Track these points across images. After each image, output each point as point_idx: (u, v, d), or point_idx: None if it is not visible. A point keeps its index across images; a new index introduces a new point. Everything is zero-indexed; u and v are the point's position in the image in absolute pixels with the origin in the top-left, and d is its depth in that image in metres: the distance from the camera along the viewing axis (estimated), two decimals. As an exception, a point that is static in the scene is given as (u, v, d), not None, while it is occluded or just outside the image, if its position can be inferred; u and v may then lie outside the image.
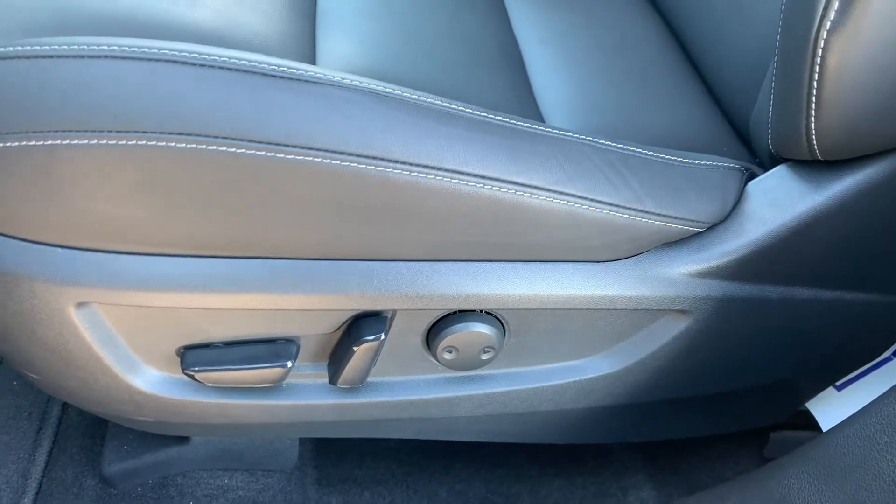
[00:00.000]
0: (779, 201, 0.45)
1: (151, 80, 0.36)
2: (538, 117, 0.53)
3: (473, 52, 0.54)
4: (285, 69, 0.38)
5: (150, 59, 0.36)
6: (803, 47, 0.39)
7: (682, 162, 0.46)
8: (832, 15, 0.37)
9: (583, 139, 0.44)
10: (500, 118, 0.43)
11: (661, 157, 0.46)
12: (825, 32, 0.38)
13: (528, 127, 0.44)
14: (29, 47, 0.37)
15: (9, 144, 0.36)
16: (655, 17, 0.69)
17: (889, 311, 0.53)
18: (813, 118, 0.41)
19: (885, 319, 0.53)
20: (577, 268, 0.46)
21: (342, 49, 0.49)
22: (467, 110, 0.42)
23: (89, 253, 0.40)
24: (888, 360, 0.67)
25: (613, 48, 0.62)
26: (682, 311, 0.48)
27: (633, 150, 0.46)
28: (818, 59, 0.38)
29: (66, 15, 0.41)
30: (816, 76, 0.39)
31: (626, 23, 0.66)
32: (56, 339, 0.43)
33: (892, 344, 0.59)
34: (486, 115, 0.43)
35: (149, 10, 0.43)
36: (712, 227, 0.46)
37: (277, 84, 0.37)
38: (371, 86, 0.40)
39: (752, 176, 0.49)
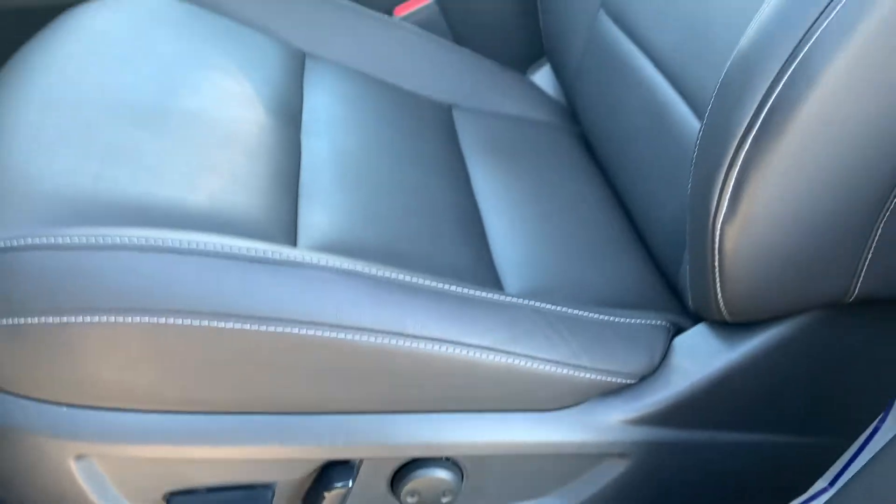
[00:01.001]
0: (699, 356, 0.52)
1: (156, 269, 0.43)
2: (495, 279, 0.61)
3: (437, 222, 0.62)
4: (269, 253, 0.45)
5: (154, 250, 0.43)
6: (704, 233, 0.47)
7: (614, 320, 0.54)
8: (724, 208, 0.45)
9: (526, 303, 0.52)
10: (456, 287, 0.50)
11: (596, 317, 0.53)
12: (720, 223, 0.45)
13: (479, 294, 0.51)
14: (47, 239, 0.44)
15: (26, 321, 0.43)
16: (600, 180, 0.78)
17: (810, 450, 0.59)
18: (719, 290, 0.48)
19: (808, 457, 0.59)
20: (525, 417, 0.52)
21: (320, 222, 0.56)
22: (426, 282, 0.49)
23: (91, 411, 0.46)
24: (824, 490, 0.72)
25: (561, 212, 0.71)
26: (621, 455, 0.54)
27: (571, 312, 0.53)
28: (716, 244, 0.46)
29: (79, 204, 0.48)
30: (717, 257, 0.47)
31: (573, 188, 0.76)
32: (54, 488, 0.48)
33: (818, 478, 0.65)
34: (443, 284, 0.50)
35: (153, 197, 0.50)
36: (643, 379, 0.53)
37: (262, 267, 0.44)
38: (343, 265, 0.47)
39: (680, 330, 0.56)
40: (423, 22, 0.88)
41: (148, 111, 0.57)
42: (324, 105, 0.72)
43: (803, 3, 0.42)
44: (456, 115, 0.83)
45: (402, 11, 0.89)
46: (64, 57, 0.61)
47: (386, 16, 0.87)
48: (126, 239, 0.44)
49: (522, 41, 0.92)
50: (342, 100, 0.74)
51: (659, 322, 0.55)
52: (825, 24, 0.40)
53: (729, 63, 0.45)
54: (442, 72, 0.86)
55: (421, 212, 0.63)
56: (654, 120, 0.64)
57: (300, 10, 0.82)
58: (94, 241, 0.44)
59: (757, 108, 0.42)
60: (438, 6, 0.89)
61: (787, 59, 0.41)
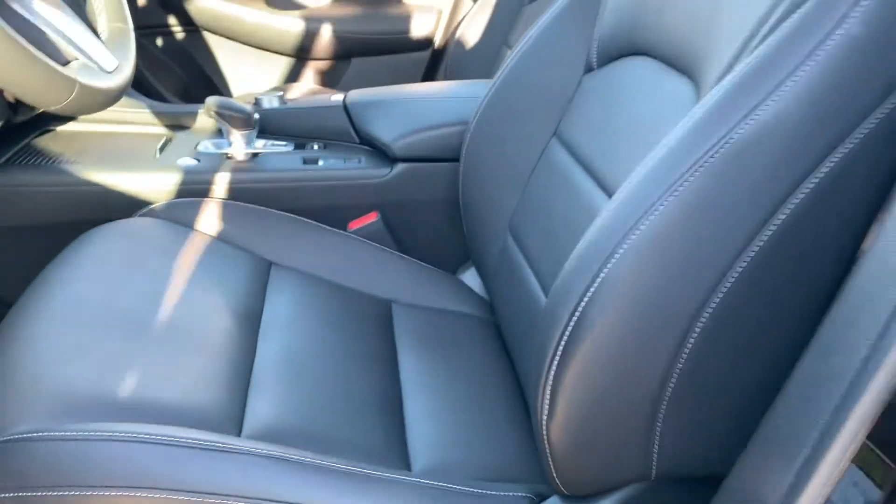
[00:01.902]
0: (549, 524, 0.67)
1: (134, 454, 0.59)
2: (405, 459, 0.76)
3: (362, 410, 0.79)
4: (213, 443, 0.62)
5: (135, 441, 0.60)
6: (536, 417, 0.63)
7: (486, 493, 0.69)
8: (546, 409, 0.62)
9: (415, 481, 0.67)
10: (364, 469, 0.66)
11: (472, 491, 0.68)
12: (544, 418, 0.62)
13: (383, 475, 0.66)
14: (53, 432, 0.60)
15: (32, 495, 0.58)
16: (506, 364, 0.95)
17: None
18: (553, 471, 0.64)
19: None
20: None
21: (263, 413, 0.73)
22: (340, 465, 0.65)
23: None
24: None
25: (471, 395, 0.87)
26: None
27: (456, 488, 0.68)
28: (545, 439, 0.62)
29: (80, 404, 0.65)
30: (548, 449, 0.63)
31: (485, 372, 0.93)
32: None
33: None
34: (353, 466, 0.66)
35: (137, 396, 0.67)
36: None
37: (206, 454, 0.61)
38: (270, 451, 0.63)
39: (544, 498, 0.71)
40: (370, 234, 1.09)
41: (138, 325, 0.75)
42: (282, 308, 0.90)
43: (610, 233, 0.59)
44: (394, 309, 1.01)
45: (354, 226, 1.10)
46: (78, 279, 0.81)
47: (340, 231, 1.08)
48: (114, 433, 0.60)
49: (452, 248, 1.13)
50: (298, 303, 0.93)
51: (524, 494, 0.70)
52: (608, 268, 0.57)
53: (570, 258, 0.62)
54: (385, 274, 1.05)
55: (350, 401, 0.80)
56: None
57: (268, 227, 1.03)
58: (88, 434, 0.60)
59: (566, 321, 0.58)
60: (383, 221, 1.11)
61: (588, 284, 0.58)
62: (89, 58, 0.70)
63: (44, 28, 0.67)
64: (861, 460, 0.52)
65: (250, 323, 0.84)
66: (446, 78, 1.77)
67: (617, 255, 0.56)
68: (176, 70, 1.87)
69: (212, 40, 1.86)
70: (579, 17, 0.98)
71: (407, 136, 1.10)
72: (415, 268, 1.08)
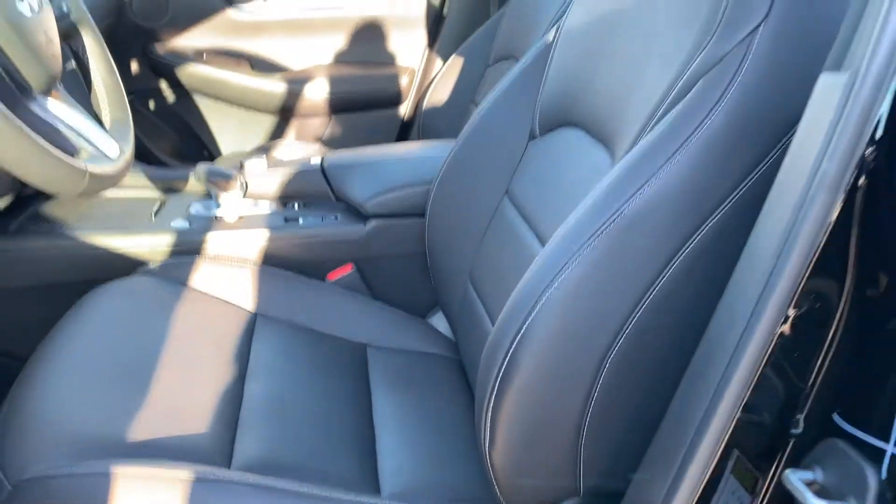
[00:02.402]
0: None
1: (135, 488, 0.70)
2: (375, 485, 0.87)
3: (337, 442, 0.90)
4: (207, 474, 0.72)
5: (136, 478, 0.71)
6: (482, 455, 0.74)
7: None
8: (487, 437, 0.73)
9: (383, 503, 0.78)
10: (338, 494, 0.77)
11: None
12: (486, 444, 0.73)
13: (353, 498, 0.77)
14: (64, 470, 0.71)
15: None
16: (468, 398, 1.06)
17: None
18: (498, 491, 0.75)
19: None
20: None
21: (250, 447, 0.84)
22: (317, 491, 0.76)
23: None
24: None
25: (438, 428, 0.99)
26: None
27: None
28: (489, 463, 0.74)
29: (88, 445, 0.76)
30: (492, 472, 0.74)
31: (451, 407, 1.04)
32: None
33: None
34: (329, 492, 0.76)
35: (140, 437, 0.78)
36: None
37: (201, 484, 0.71)
38: (255, 480, 0.74)
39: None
40: (347, 284, 1.21)
41: (140, 375, 0.87)
42: (266, 354, 1.02)
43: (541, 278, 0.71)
44: (369, 352, 1.13)
45: (332, 277, 1.22)
46: (87, 334, 0.92)
47: (319, 281, 1.20)
48: (121, 471, 0.71)
49: (421, 294, 1.25)
50: (281, 349, 1.04)
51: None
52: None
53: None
54: (360, 320, 1.17)
55: (328, 436, 0.91)
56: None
57: (254, 280, 1.14)
58: (98, 472, 0.71)
59: (501, 361, 0.71)
60: (358, 272, 1.22)
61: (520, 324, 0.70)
62: (96, 147, 0.82)
63: (57, 124, 0.79)
64: (737, 472, 0.64)
65: (238, 368, 0.96)
66: (421, 132, 1.91)
67: (538, 306, 0.69)
68: (168, 130, 2.00)
69: (201, 102, 1.99)
70: (527, 87, 1.11)
71: (378, 196, 1.23)
72: (388, 313, 1.20)
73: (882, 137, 0.49)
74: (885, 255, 0.53)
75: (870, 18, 0.50)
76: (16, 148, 0.67)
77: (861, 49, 0.50)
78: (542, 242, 0.92)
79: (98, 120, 0.92)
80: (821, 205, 0.49)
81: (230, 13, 1.93)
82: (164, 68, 1.92)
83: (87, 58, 0.95)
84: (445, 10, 2.00)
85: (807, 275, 0.51)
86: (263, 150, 1.87)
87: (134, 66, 1.94)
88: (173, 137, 2.01)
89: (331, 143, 2.00)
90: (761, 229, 0.57)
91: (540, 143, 1.06)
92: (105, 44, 0.97)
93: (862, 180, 0.49)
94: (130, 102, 1.93)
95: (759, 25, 0.66)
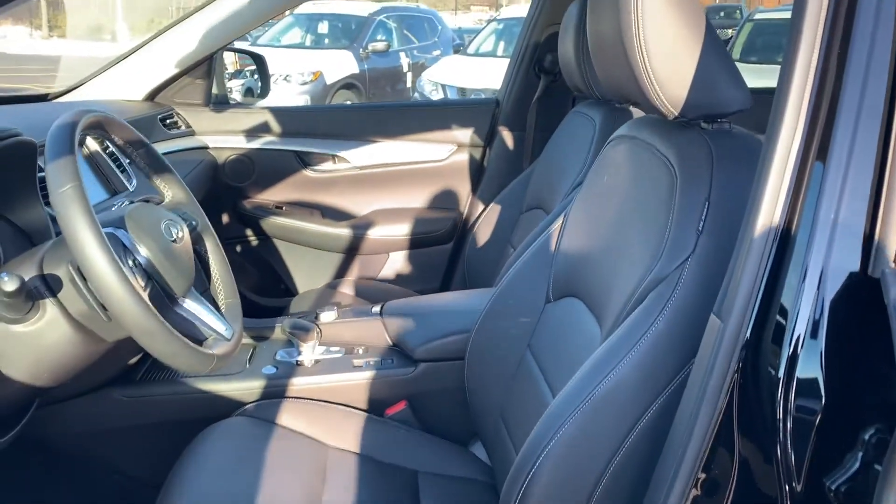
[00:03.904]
0: None
1: None
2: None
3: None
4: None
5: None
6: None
7: None
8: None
9: None
10: None
11: None
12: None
13: None
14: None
15: None
16: None
17: None
18: None
19: None
20: None
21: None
22: None
23: None
24: None
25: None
26: None
27: None
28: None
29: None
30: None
31: None
32: None
33: None
34: None
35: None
36: None
37: None
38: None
39: None
40: (402, 418, 1.48)
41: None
42: (337, 482, 1.28)
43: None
44: (420, 478, 1.37)
45: (389, 412, 1.49)
46: (202, 472, 1.20)
47: (379, 416, 1.47)
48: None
49: (464, 425, 1.50)
50: (350, 478, 1.30)
51: None
52: None
53: None
54: (412, 450, 1.42)
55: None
56: None
57: (328, 418, 1.42)
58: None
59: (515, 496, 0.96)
60: (410, 408, 1.49)
61: None
62: (217, 332, 1.13)
63: (192, 319, 1.10)
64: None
65: (316, 498, 1.22)
66: (466, 270, 2.20)
67: (542, 457, 0.94)
68: (252, 270, 2.35)
69: (280, 245, 2.34)
70: (544, 259, 1.39)
71: (425, 344, 1.51)
72: (435, 443, 1.45)
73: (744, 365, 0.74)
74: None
75: (736, 271, 0.77)
76: (165, 344, 0.97)
77: (728, 300, 0.76)
78: (553, 393, 1.18)
79: (216, 305, 1.24)
80: (704, 415, 0.74)
81: (305, 172, 2.30)
82: (250, 220, 2.29)
83: (209, 257, 1.27)
84: (486, 163, 2.33)
85: (705, 455, 0.76)
86: (332, 286, 2.19)
87: (225, 218, 2.32)
88: (256, 275, 2.36)
89: (388, 278, 2.31)
90: (681, 408, 0.82)
91: (554, 307, 1.32)
92: (220, 244, 1.30)
93: (735, 396, 0.75)
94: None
95: (688, 257, 0.92)
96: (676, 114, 0.98)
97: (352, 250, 2.31)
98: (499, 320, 1.41)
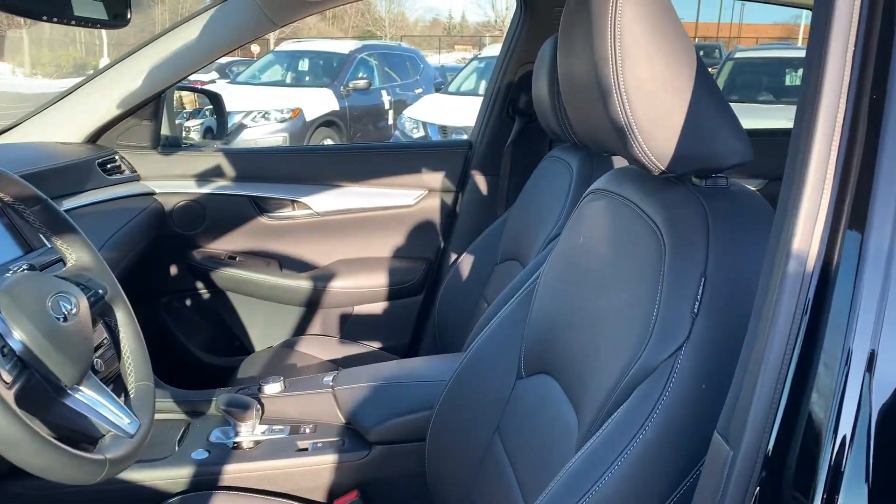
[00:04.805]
0: None
1: None
2: None
3: None
4: None
5: None
6: None
7: None
8: None
9: None
10: None
11: None
12: None
13: None
14: None
15: None
16: None
17: None
18: None
19: None
20: None
21: None
22: None
23: None
24: None
25: None
26: None
27: None
28: None
29: None
30: None
31: None
32: None
33: None
34: None
35: None
36: None
37: None
38: None
39: None
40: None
41: None
42: None
43: None
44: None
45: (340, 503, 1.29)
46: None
47: (326, 509, 1.27)
48: None
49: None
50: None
51: None
52: None
53: None
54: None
55: None
56: None
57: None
58: None
59: None
60: (362, 498, 1.29)
61: None
62: (118, 427, 0.93)
63: (86, 413, 0.91)
64: None
65: None
66: (438, 323, 2.02)
67: None
68: (204, 326, 2.15)
69: (234, 298, 2.15)
70: (515, 326, 1.21)
71: (381, 423, 1.32)
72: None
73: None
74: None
75: (747, 375, 0.59)
76: (34, 455, 0.78)
77: (737, 418, 0.58)
78: (522, 490, 0.99)
79: (126, 390, 1.04)
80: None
81: (262, 219, 2.12)
82: (200, 271, 2.10)
83: (119, 330, 1.08)
84: (458, 209, 2.16)
85: None
86: (290, 344, 2.00)
87: (174, 270, 2.13)
88: (207, 331, 2.16)
89: (353, 333, 2.12)
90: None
91: (526, 385, 1.14)
92: (134, 316, 1.11)
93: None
94: (169, 303, 2.11)
95: (681, 345, 0.75)
96: (663, 168, 0.81)
97: (312, 304, 2.12)
98: (465, 397, 1.22)
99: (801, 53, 7.84)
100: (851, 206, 0.56)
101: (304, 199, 2.12)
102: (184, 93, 2.30)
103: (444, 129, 7.05)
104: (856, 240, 0.56)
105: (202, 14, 1.89)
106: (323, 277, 2.11)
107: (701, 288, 0.76)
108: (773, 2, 2.23)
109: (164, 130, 2.11)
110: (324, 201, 2.12)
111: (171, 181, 2.06)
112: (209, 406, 1.45)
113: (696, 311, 0.75)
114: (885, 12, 0.54)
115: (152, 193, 2.03)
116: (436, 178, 2.16)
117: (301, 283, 2.10)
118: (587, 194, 1.11)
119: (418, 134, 7.22)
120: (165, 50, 1.89)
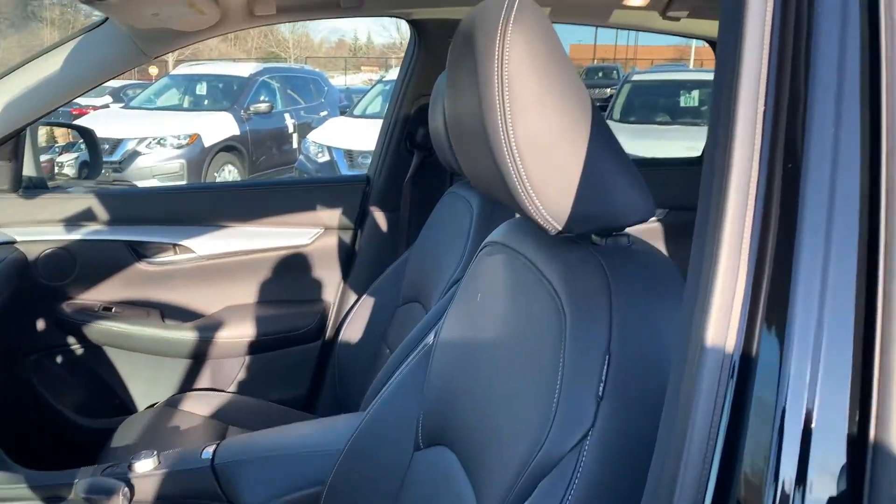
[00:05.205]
0: None
1: None
2: None
3: None
4: None
5: None
6: None
7: None
8: None
9: None
10: None
11: None
12: None
13: None
14: None
15: None
16: None
17: None
18: None
19: None
20: None
21: None
22: None
23: None
24: None
25: None
26: None
27: None
28: None
29: None
30: None
31: None
32: None
33: None
34: None
35: None
36: None
37: None
38: None
39: None
40: None
41: None
42: None
43: None
44: None
45: None
46: None
47: None
48: None
49: None
50: None
51: None
52: None
53: None
54: None
55: None
56: None
57: None
58: None
59: None
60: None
61: None
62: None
63: None
64: None
65: None
66: (338, 371, 1.89)
67: None
68: (77, 385, 1.94)
69: (111, 353, 1.95)
70: (413, 390, 1.10)
71: (267, 503, 1.18)
72: None
73: None
74: None
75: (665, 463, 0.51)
76: None
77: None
78: None
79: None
80: None
81: (140, 265, 1.94)
82: (71, 325, 1.89)
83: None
84: (357, 248, 2.05)
85: None
86: (174, 402, 1.82)
87: (41, 325, 1.91)
88: (83, 392, 1.95)
89: (245, 387, 1.96)
90: None
91: (424, 457, 1.03)
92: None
93: None
94: (38, 361, 1.89)
95: (587, 433, 0.66)
96: (560, 228, 0.73)
97: (199, 356, 1.95)
98: (359, 470, 1.11)
99: (695, 76, 8.17)
100: (768, 293, 0.49)
101: (186, 242, 1.95)
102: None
103: (349, 154, 6.91)
104: (777, 328, 0.48)
105: (66, 44, 1.72)
106: (210, 327, 1.94)
107: (605, 367, 0.67)
108: (664, 32, 2.23)
109: (28, 171, 1.90)
110: (209, 244, 1.96)
111: (35, 227, 1.85)
112: (70, 490, 1.27)
113: (600, 393, 0.67)
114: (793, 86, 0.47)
115: (12, 242, 1.82)
116: (332, 216, 2.04)
117: (186, 335, 1.92)
118: (484, 246, 1.02)
119: (323, 158, 7.06)
120: (24, 83, 1.70)
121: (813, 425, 0.47)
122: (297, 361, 2.00)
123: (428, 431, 1.02)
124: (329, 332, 2.02)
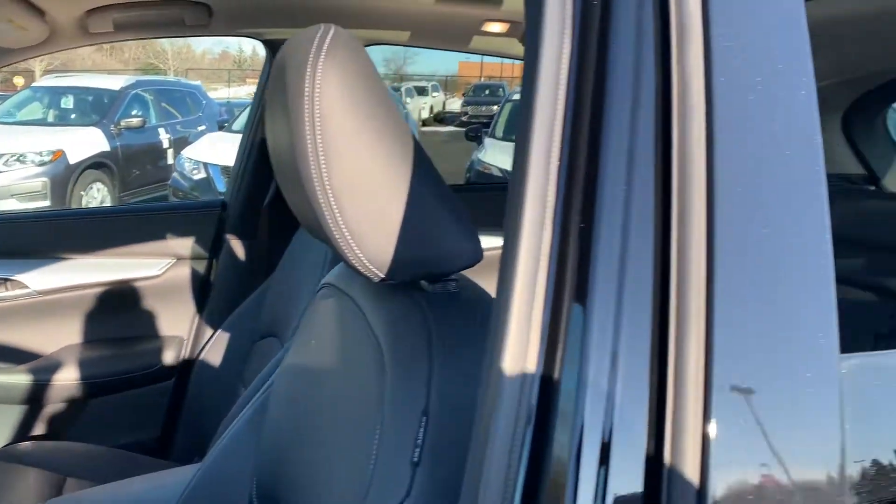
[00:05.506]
0: None
1: None
2: None
3: None
4: None
5: None
6: None
7: None
8: None
9: None
10: None
11: None
12: None
13: None
14: None
15: None
16: None
17: None
18: None
19: None
20: None
21: None
22: None
23: None
24: None
25: None
26: None
27: None
28: None
29: None
30: None
31: None
32: None
33: None
34: None
35: None
36: None
37: None
38: None
39: None
40: None
41: None
42: None
43: None
44: None
45: None
46: None
47: None
48: None
49: None
50: None
51: None
52: None
53: None
54: None
55: None
56: None
57: None
58: None
59: None
60: None
61: None
62: None
63: None
64: None
65: None
66: (192, 413, 1.77)
67: None
68: None
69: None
70: (252, 433, 1.02)
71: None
72: None
73: None
74: None
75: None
76: None
77: None
78: None
79: None
80: None
81: (-39, 303, 1.74)
82: None
83: None
84: (212, 278, 1.93)
85: None
86: (6, 455, 1.64)
87: None
88: None
89: (88, 433, 1.80)
90: None
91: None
92: None
93: None
94: None
95: (402, 503, 0.61)
96: (382, 276, 0.68)
97: (35, 402, 1.77)
98: None
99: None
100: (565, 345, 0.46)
101: (19, 277, 1.77)
102: None
103: (226, 170, 6.68)
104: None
105: None
106: (47, 369, 1.77)
107: (422, 430, 0.62)
108: (483, 53, 2.21)
109: None
110: (45, 278, 1.79)
111: None
112: None
113: (416, 458, 0.62)
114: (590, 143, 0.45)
115: None
116: (185, 245, 1.91)
117: (18, 378, 1.74)
118: (321, 286, 0.96)
119: (199, 175, 6.78)
120: None
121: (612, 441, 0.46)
122: (148, 402, 1.86)
123: (263, 486, 0.94)
124: (182, 370, 1.89)
